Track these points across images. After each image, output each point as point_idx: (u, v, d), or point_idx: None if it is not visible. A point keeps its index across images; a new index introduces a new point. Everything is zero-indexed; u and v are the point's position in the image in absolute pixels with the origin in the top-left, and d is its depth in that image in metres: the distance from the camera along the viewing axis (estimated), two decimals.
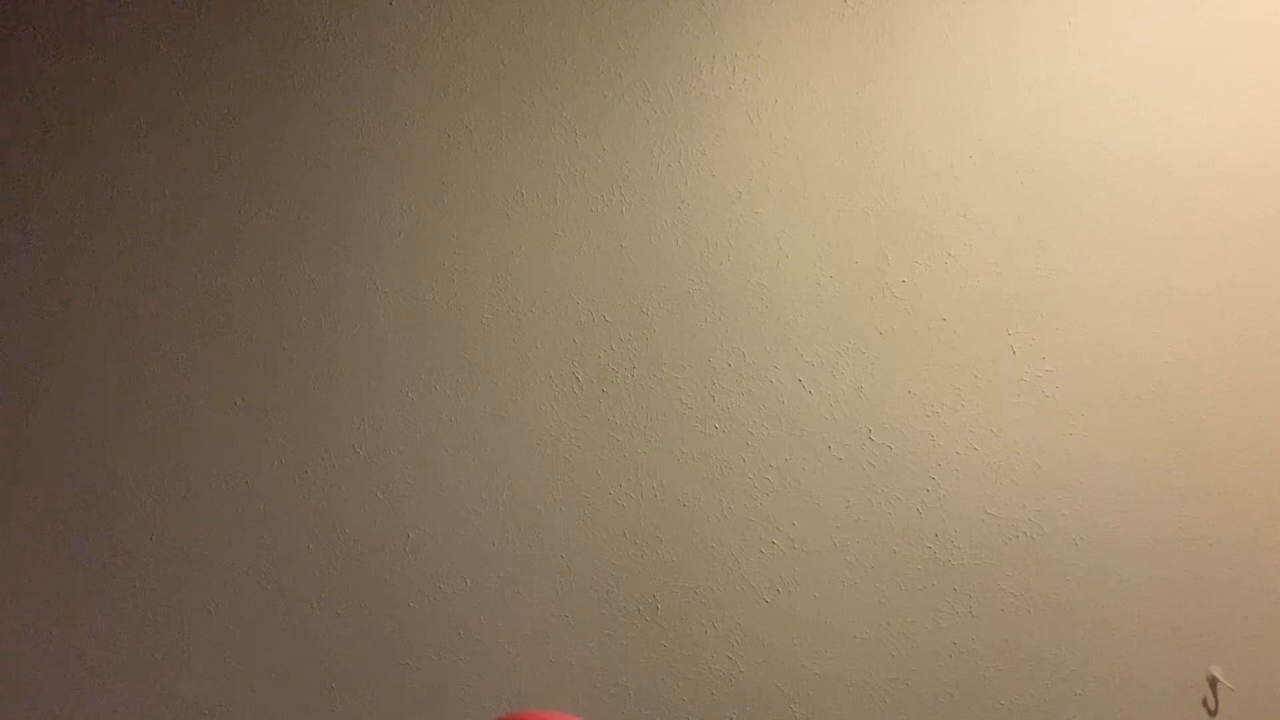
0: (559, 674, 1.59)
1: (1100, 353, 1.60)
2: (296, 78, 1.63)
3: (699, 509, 1.61)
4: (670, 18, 1.63)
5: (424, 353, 1.62)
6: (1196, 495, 1.60)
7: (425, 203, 1.63)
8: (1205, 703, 1.60)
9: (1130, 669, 1.60)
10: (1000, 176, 1.61)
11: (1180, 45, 1.61)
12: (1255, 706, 1.59)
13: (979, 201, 1.61)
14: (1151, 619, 1.60)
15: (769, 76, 1.62)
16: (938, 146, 1.61)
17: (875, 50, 1.62)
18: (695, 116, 1.62)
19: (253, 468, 1.61)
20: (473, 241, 1.63)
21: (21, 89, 1.63)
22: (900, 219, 1.62)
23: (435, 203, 1.63)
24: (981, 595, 1.60)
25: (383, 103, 1.63)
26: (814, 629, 1.60)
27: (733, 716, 1.59)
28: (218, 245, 1.63)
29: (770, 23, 1.63)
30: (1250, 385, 1.60)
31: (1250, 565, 1.60)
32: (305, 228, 1.63)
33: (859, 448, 1.61)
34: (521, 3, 1.64)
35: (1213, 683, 1.59)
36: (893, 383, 1.61)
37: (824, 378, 1.61)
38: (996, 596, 1.60)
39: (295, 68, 1.63)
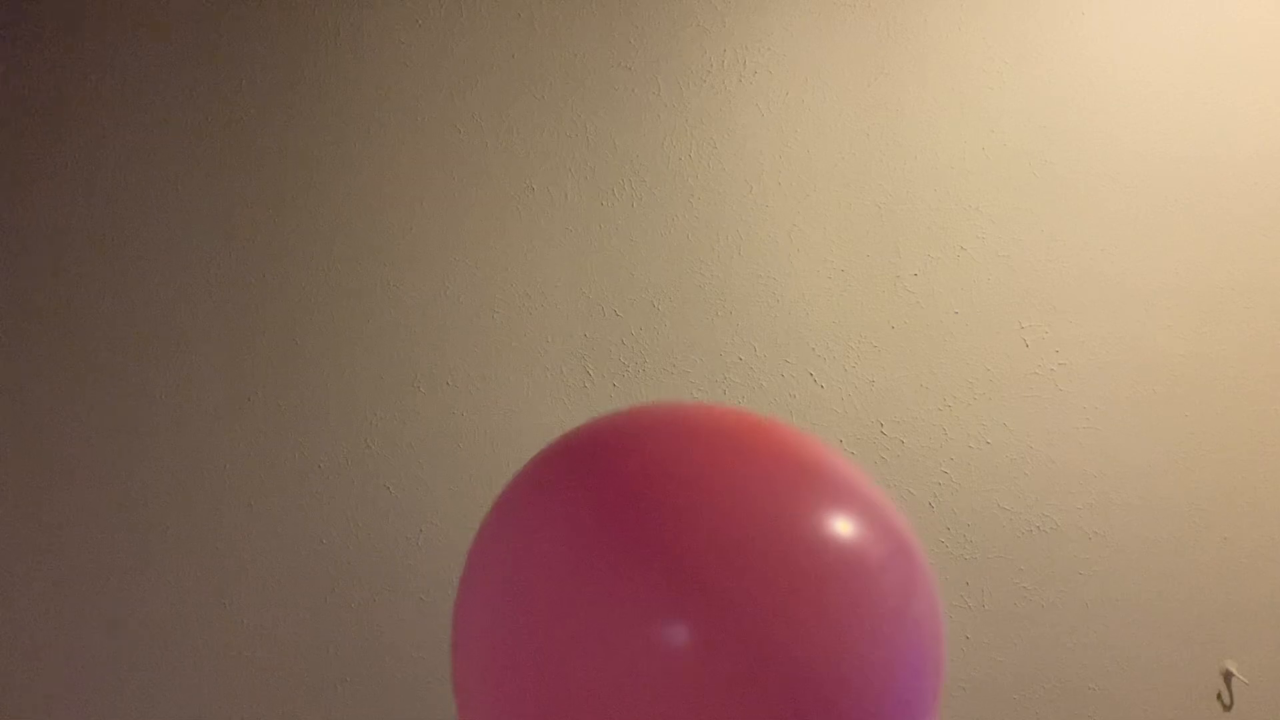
0: None
1: (1114, 346, 1.60)
2: (305, 73, 1.63)
3: None
4: (681, 12, 1.63)
5: (435, 347, 1.62)
6: (1210, 489, 1.59)
7: (436, 197, 1.63)
8: (1220, 697, 1.59)
9: (1144, 663, 1.59)
10: (1013, 169, 1.60)
11: (1193, 36, 1.60)
12: (1270, 701, 1.58)
13: (991, 194, 1.60)
14: (1166, 613, 1.60)
15: (780, 70, 1.62)
16: (950, 139, 1.61)
17: (887, 43, 1.61)
18: (706, 110, 1.62)
19: (265, 462, 1.62)
20: (483, 236, 1.63)
21: (31, 87, 1.64)
22: (912, 212, 1.61)
23: (446, 197, 1.63)
24: (994, 589, 1.60)
25: (393, 97, 1.63)
26: None
27: None
28: (229, 240, 1.63)
29: (781, 16, 1.62)
30: (1265, 378, 1.59)
31: (1265, 559, 1.59)
32: (316, 223, 1.63)
33: (871, 441, 1.61)
34: None
35: (1227, 677, 1.59)
36: (905, 376, 1.61)
37: (836, 371, 1.61)
38: (1009, 590, 1.60)
39: (304, 63, 1.64)
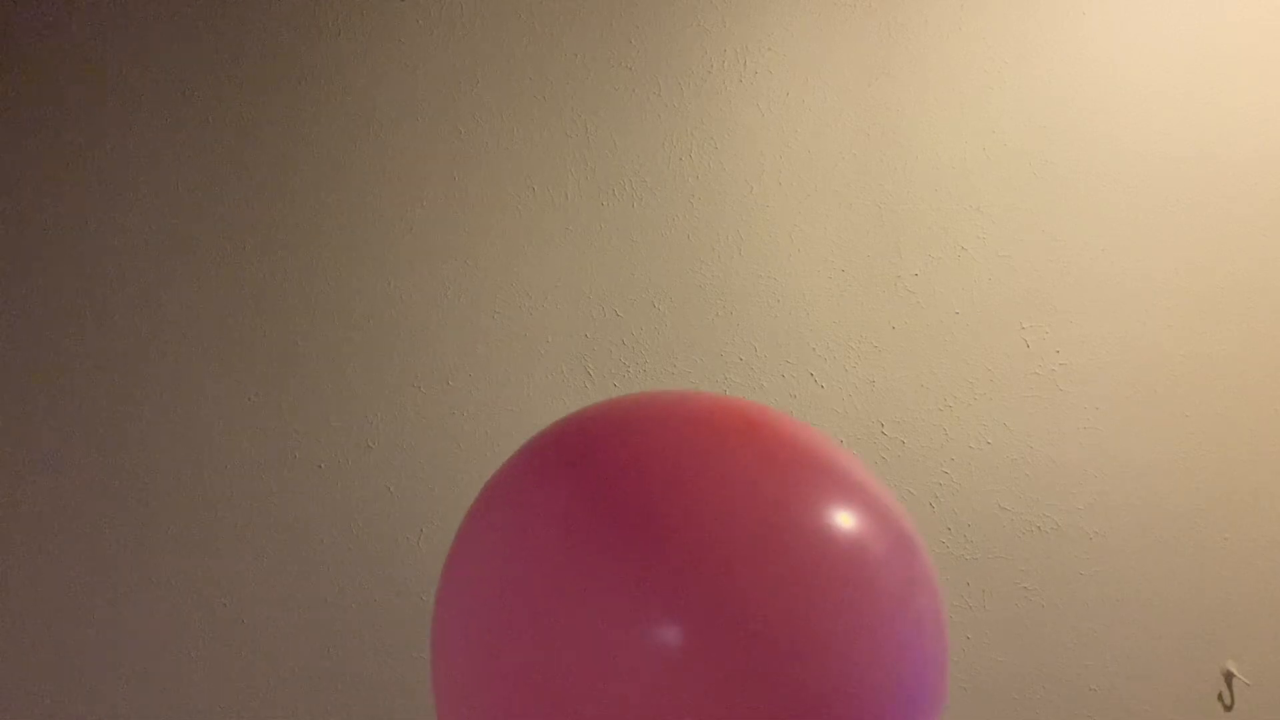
0: None
1: (1115, 346, 1.59)
2: (308, 73, 1.63)
3: None
4: (682, 12, 1.62)
5: (435, 347, 1.62)
6: (1212, 489, 1.59)
7: (436, 197, 1.63)
8: (1221, 698, 1.59)
9: (1145, 664, 1.59)
10: (1013, 169, 1.60)
11: (1194, 35, 1.60)
12: (1272, 701, 1.58)
13: (992, 194, 1.60)
14: (1167, 614, 1.59)
15: (780, 70, 1.62)
16: (950, 139, 1.61)
17: (887, 42, 1.61)
18: (707, 110, 1.62)
19: (266, 463, 1.62)
20: (484, 236, 1.63)
21: (31, 84, 1.64)
22: (913, 212, 1.61)
23: (446, 197, 1.63)
24: (995, 589, 1.60)
25: (394, 97, 1.63)
26: None
27: None
28: (228, 240, 1.63)
29: (782, 16, 1.62)
30: (1265, 379, 1.59)
31: (1265, 559, 1.59)
32: (317, 222, 1.63)
33: (871, 442, 1.60)
34: None
35: (1228, 678, 1.59)
36: (905, 376, 1.61)
37: (836, 371, 1.61)
38: (1010, 591, 1.60)
39: (306, 63, 1.64)
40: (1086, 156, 1.60)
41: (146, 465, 1.62)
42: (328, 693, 1.62)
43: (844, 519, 0.58)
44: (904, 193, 1.61)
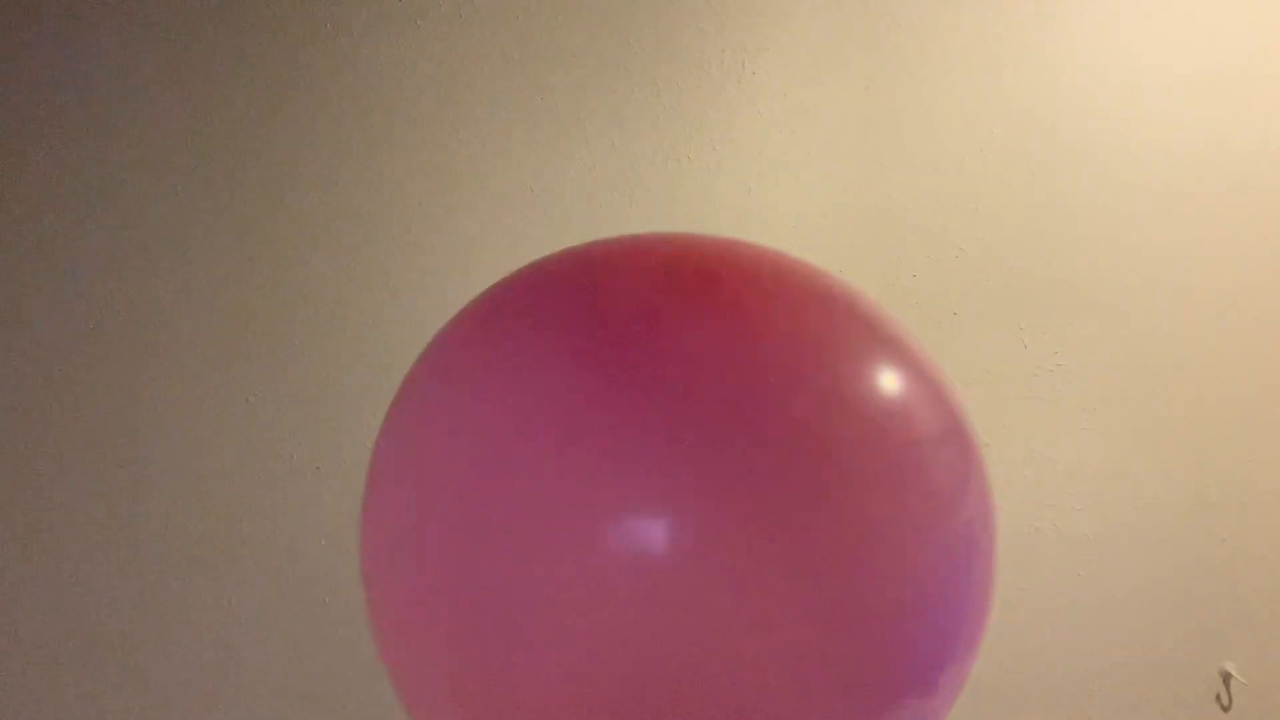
0: None
1: (1112, 347, 1.60)
2: (303, 73, 1.63)
3: None
4: (680, 13, 1.62)
5: None
6: (1209, 491, 1.59)
7: (434, 199, 1.63)
8: (1219, 698, 1.59)
9: (1142, 665, 1.59)
10: (1012, 171, 1.60)
11: (1197, 35, 1.60)
12: (1270, 702, 1.58)
13: (990, 196, 1.60)
14: (1164, 615, 1.60)
15: (779, 71, 1.62)
16: (949, 140, 1.61)
17: (887, 44, 1.61)
18: (705, 112, 1.62)
19: (264, 465, 1.62)
20: (482, 238, 1.63)
21: (33, 90, 1.64)
22: (911, 213, 1.61)
23: (444, 199, 1.63)
24: (993, 590, 1.60)
25: (392, 100, 1.63)
26: None
27: None
28: (228, 243, 1.63)
29: (780, 18, 1.62)
30: (1265, 378, 1.59)
31: (1265, 559, 1.59)
32: (315, 225, 1.63)
33: None
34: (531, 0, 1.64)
35: (1226, 678, 1.59)
36: None
37: None
38: (1008, 592, 1.60)
39: (303, 66, 1.63)
40: (1087, 158, 1.60)
41: (143, 466, 1.62)
42: (326, 693, 1.62)
43: (893, 384, 0.43)
44: (902, 194, 1.61)
